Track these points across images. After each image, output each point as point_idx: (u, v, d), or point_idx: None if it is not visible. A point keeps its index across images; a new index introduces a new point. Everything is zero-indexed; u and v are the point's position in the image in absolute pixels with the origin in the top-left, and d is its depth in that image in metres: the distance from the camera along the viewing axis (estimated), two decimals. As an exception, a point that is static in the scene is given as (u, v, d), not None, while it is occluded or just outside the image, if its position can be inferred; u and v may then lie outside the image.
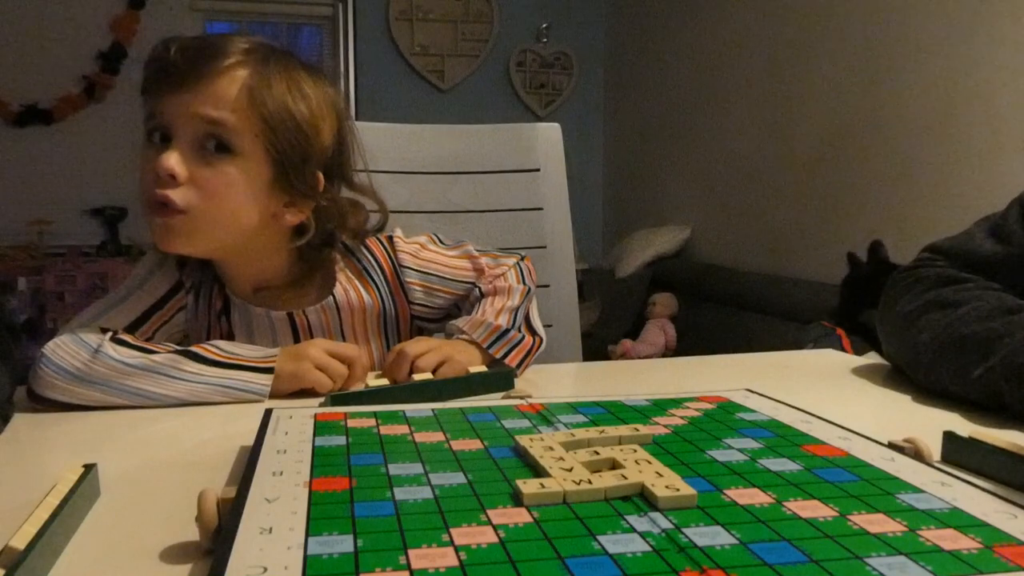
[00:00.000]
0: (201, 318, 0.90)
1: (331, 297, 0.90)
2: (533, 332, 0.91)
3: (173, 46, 0.78)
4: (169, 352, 0.76)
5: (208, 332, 0.90)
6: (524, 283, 0.94)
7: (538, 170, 1.22)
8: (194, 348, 0.77)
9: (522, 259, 0.98)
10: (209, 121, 0.77)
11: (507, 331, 0.87)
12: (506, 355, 0.86)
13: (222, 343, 0.79)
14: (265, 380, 0.76)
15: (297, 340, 0.89)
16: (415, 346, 0.82)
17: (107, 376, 0.73)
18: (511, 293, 0.92)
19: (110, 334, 0.77)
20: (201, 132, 0.77)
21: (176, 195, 0.77)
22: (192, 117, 0.77)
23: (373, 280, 0.93)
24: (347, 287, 0.91)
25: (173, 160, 0.76)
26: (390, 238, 0.95)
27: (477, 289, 0.93)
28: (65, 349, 0.74)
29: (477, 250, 0.96)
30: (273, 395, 0.76)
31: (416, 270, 0.93)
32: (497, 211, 1.20)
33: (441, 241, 0.97)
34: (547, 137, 1.23)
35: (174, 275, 0.88)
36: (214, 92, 0.77)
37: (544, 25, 4.38)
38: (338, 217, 0.87)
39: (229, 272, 0.88)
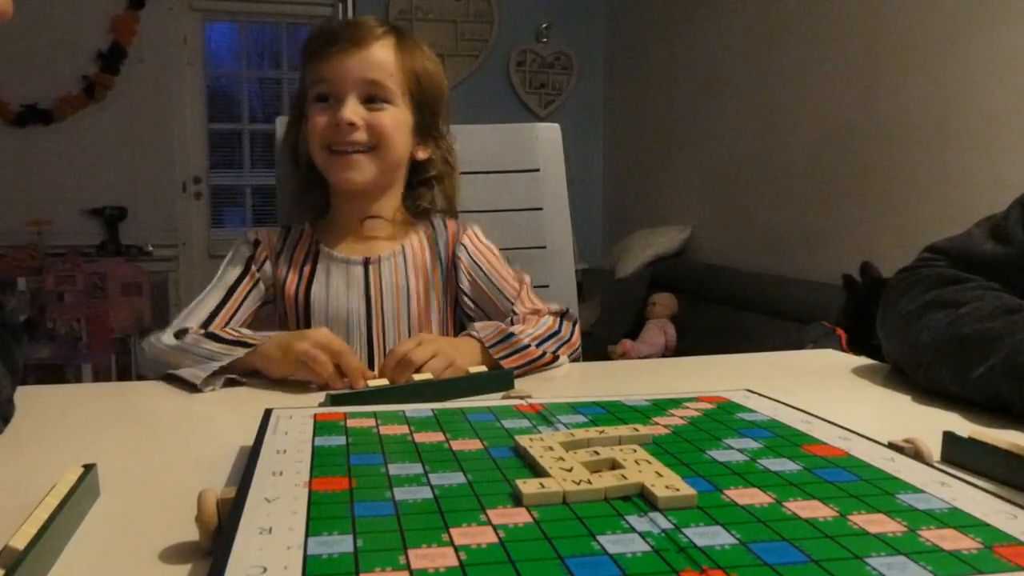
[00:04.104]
0: (280, 271, 1.02)
1: (402, 247, 1.02)
2: (545, 352, 0.90)
3: (335, 26, 1.00)
4: (198, 335, 0.89)
5: (287, 277, 1.01)
6: (559, 328, 0.95)
7: (538, 170, 1.22)
8: (216, 330, 0.90)
9: (567, 312, 1.00)
10: (370, 83, 0.97)
11: (512, 335, 0.87)
12: (506, 357, 0.86)
13: (243, 329, 0.91)
14: (237, 352, 0.84)
15: (368, 294, 1.01)
16: (419, 352, 0.81)
17: (159, 355, 0.89)
18: (538, 325, 0.94)
19: (174, 328, 0.92)
20: (365, 90, 0.97)
21: (356, 136, 0.97)
22: (358, 80, 0.97)
23: (439, 251, 1.04)
24: (416, 247, 1.04)
25: (350, 113, 0.96)
26: (467, 226, 1.07)
27: (512, 316, 0.98)
28: (149, 342, 0.92)
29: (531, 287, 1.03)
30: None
31: (469, 255, 1.04)
32: (497, 211, 1.20)
33: (507, 260, 1.06)
34: (547, 137, 1.23)
35: (242, 263, 1.01)
36: (374, 58, 0.98)
37: (544, 25, 4.38)
38: (450, 159, 1.07)
39: (349, 204, 1.03)
